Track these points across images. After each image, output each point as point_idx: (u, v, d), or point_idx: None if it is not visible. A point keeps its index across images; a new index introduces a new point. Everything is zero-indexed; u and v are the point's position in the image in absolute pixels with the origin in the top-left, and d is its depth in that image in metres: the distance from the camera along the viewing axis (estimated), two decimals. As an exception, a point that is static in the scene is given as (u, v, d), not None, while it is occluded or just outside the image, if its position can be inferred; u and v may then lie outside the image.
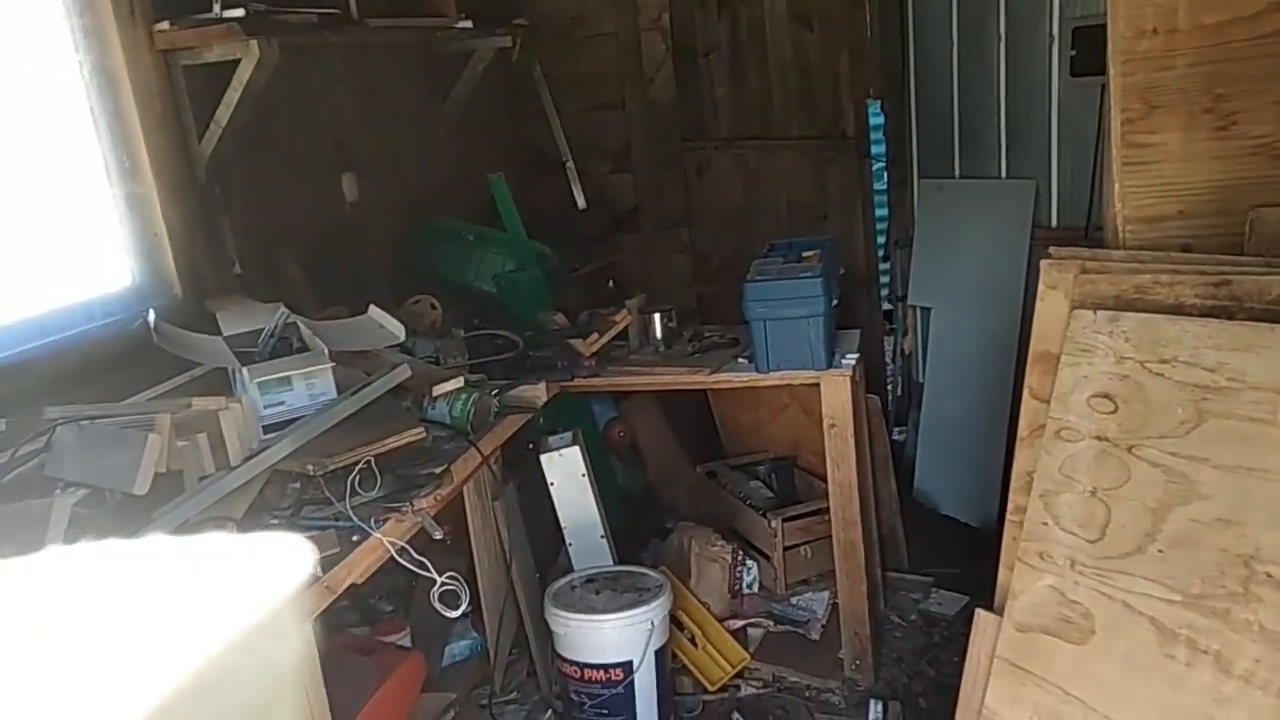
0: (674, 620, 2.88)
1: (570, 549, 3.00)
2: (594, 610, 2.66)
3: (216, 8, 2.54)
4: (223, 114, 2.68)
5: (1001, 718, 1.92)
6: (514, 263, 3.43)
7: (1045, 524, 1.91)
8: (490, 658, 2.91)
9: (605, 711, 2.66)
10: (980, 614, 2.02)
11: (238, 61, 2.61)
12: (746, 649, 3.06)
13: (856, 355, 2.92)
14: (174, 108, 2.63)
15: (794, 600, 3.25)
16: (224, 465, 1.97)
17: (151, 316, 2.32)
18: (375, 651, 2.55)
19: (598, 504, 2.99)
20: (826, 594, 3.22)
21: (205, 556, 0.42)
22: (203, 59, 2.63)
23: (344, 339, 2.36)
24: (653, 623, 2.64)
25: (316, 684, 1.73)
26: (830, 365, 2.82)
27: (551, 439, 2.99)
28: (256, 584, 0.39)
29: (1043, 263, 1.99)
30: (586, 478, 2.96)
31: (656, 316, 3.19)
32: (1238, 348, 1.70)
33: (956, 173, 4.08)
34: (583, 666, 2.66)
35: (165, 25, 2.55)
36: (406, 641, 2.80)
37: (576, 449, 2.94)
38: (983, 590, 2.09)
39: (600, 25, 4.44)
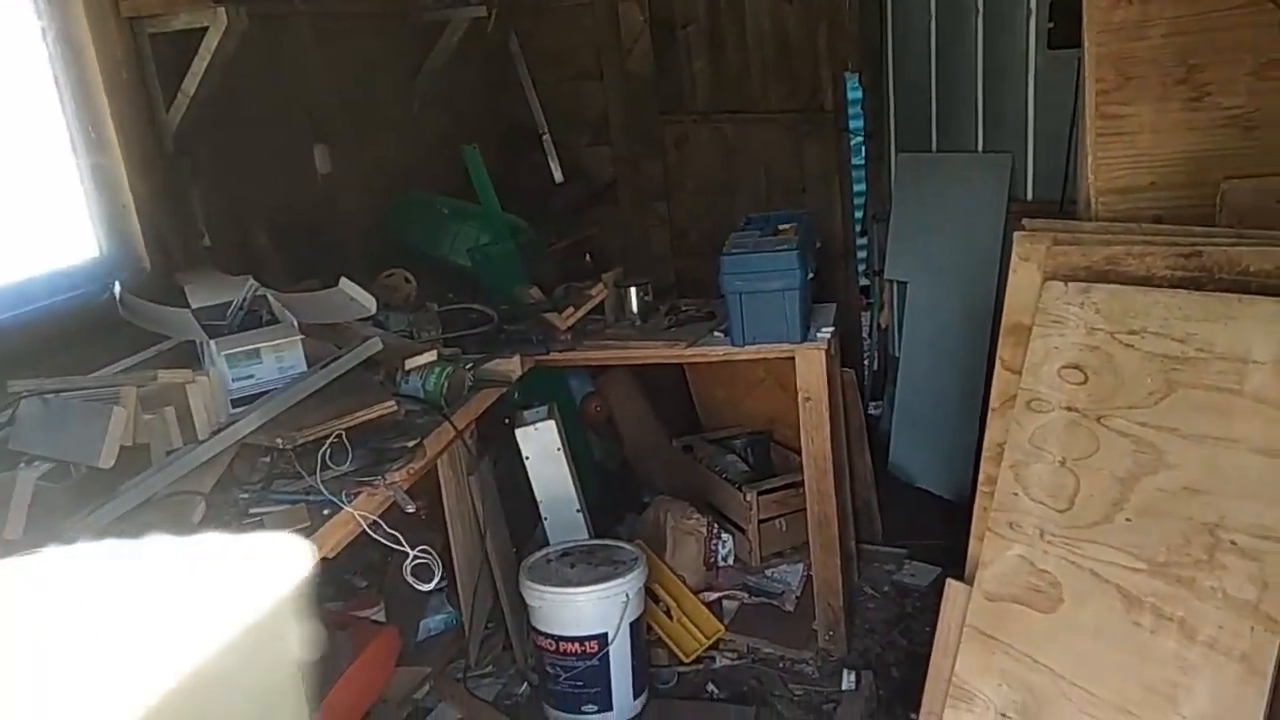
0: (649, 593, 2.89)
1: (546, 523, 3.00)
2: (569, 583, 2.67)
3: (182, -27, 2.49)
4: (190, 83, 2.63)
5: (971, 685, 1.94)
6: (489, 236, 3.40)
7: (1015, 494, 1.93)
8: (465, 631, 2.91)
9: (580, 684, 2.67)
10: (951, 583, 2.04)
11: (206, 29, 2.57)
12: (721, 621, 3.08)
13: (832, 329, 2.92)
14: (140, 76, 2.58)
15: (769, 572, 3.27)
16: (191, 439, 1.94)
17: (118, 289, 2.28)
18: (349, 626, 2.55)
19: (573, 478, 2.99)
20: (801, 566, 3.24)
21: (204, 556, 0.41)
22: (170, 26, 2.58)
23: (314, 312, 2.34)
24: (628, 595, 2.65)
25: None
26: (806, 339, 2.82)
27: (527, 413, 2.98)
28: (256, 584, 0.39)
29: (1016, 234, 1.99)
30: (562, 452, 2.95)
31: (633, 290, 3.18)
32: (1206, 318, 1.71)
33: (934, 146, 4.08)
34: (558, 639, 2.67)
35: (130, -9, 2.50)
36: (381, 616, 2.80)
37: (552, 423, 2.94)
38: (955, 562, 2.11)
39: (577, -5, 4.40)
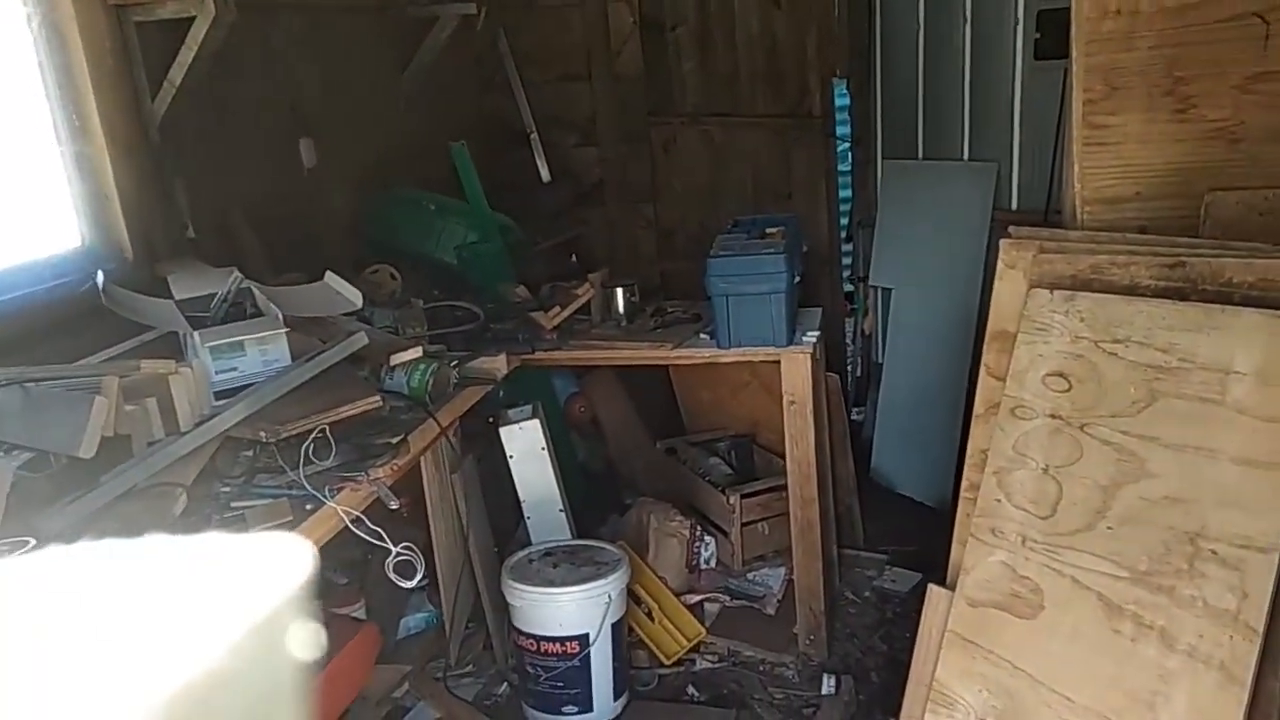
0: (631, 594, 2.88)
1: (529, 522, 2.99)
2: (551, 583, 2.66)
3: (171, -38, 2.47)
4: (176, 73, 2.61)
5: (952, 690, 1.95)
6: (476, 234, 3.39)
7: (998, 500, 1.94)
8: (446, 630, 2.90)
9: (561, 684, 2.66)
10: (932, 589, 2.04)
11: (193, 19, 2.54)
12: (703, 623, 3.08)
13: (817, 333, 2.93)
14: (126, 65, 2.56)
15: (750, 576, 3.27)
16: (174, 430, 1.93)
17: (100, 278, 2.26)
18: (329, 623, 2.53)
19: (557, 478, 2.98)
20: (783, 570, 3.24)
21: (204, 556, 0.41)
22: (156, 15, 2.56)
23: (299, 305, 2.32)
24: (610, 596, 2.64)
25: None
26: (791, 342, 2.82)
27: (511, 412, 2.97)
28: (257, 584, 0.39)
29: (1002, 242, 2.01)
30: (546, 451, 2.94)
31: (619, 291, 3.17)
32: (1189, 328, 1.72)
33: (920, 154, 4.10)
34: (539, 639, 2.66)
35: (117, -21, 2.48)
36: (361, 614, 2.78)
37: (536, 422, 2.93)
38: (936, 568, 2.12)
39: (567, -5, 4.40)
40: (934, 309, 3.90)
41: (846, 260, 4.46)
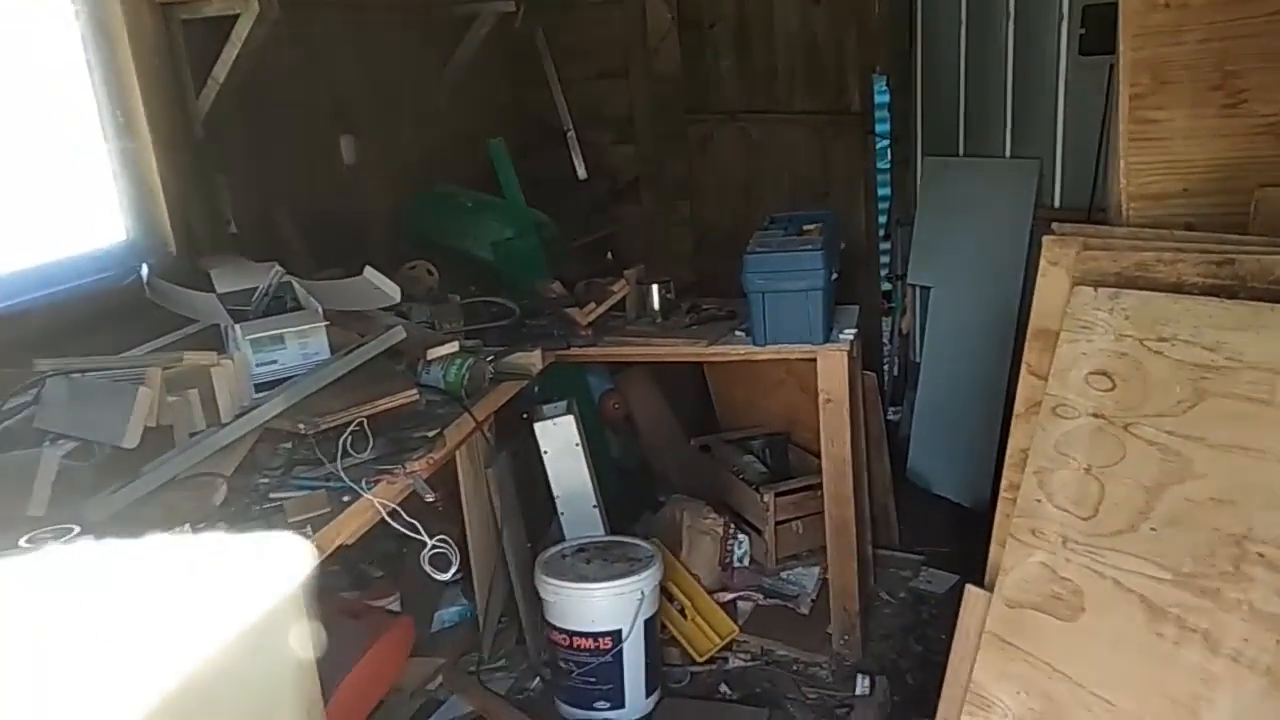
0: (664, 591, 2.88)
1: (562, 518, 3.00)
2: (584, 579, 2.66)
3: (216, -39, 2.51)
4: (220, 70, 2.65)
5: (989, 693, 1.92)
6: (512, 230, 3.40)
7: (1039, 501, 1.91)
8: (479, 624, 2.91)
9: (593, 680, 2.67)
10: (970, 589, 2.01)
11: (238, 16, 2.58)
12: (736, 622, 3.07)
13: (855, 331, 2.91)
14: (171, 62, 2.60)
15: (784, 575, 3.26)
16: (215, 422, 1.95)
17: (145, 271, 2.30)
18: (364, 615, 2.55)
19: (591, 474, 2.98)
20: (817, 569, 3.22)
21: (207, 555, 0.42)
22: (202, 13, 2.60)
23: (338, 299, 2.34)
24: (643, 592, 2.64)
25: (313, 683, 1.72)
26: (828, 340, 2.80)
27: (546, 408, 2.98)
28: (258, 583, 0.39)
29: (1045, 238, 1.97)
30: (580, 447, 2.95)
31: (654, 288, 3.17)
32: (1238, 327, 1.68)
33: (961, 151, 4.05)
34: (572, 635, 2.66)
35: (164, -23, 2.52)
36: (396, 606, 2.80)
37: (571, 418, 2.93)
38: (973, 569, 2.09)
39: (605, -8, 4.40)
40: (973, 308, 3.85)
41: (884, 258, 4.43)
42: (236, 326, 2.15)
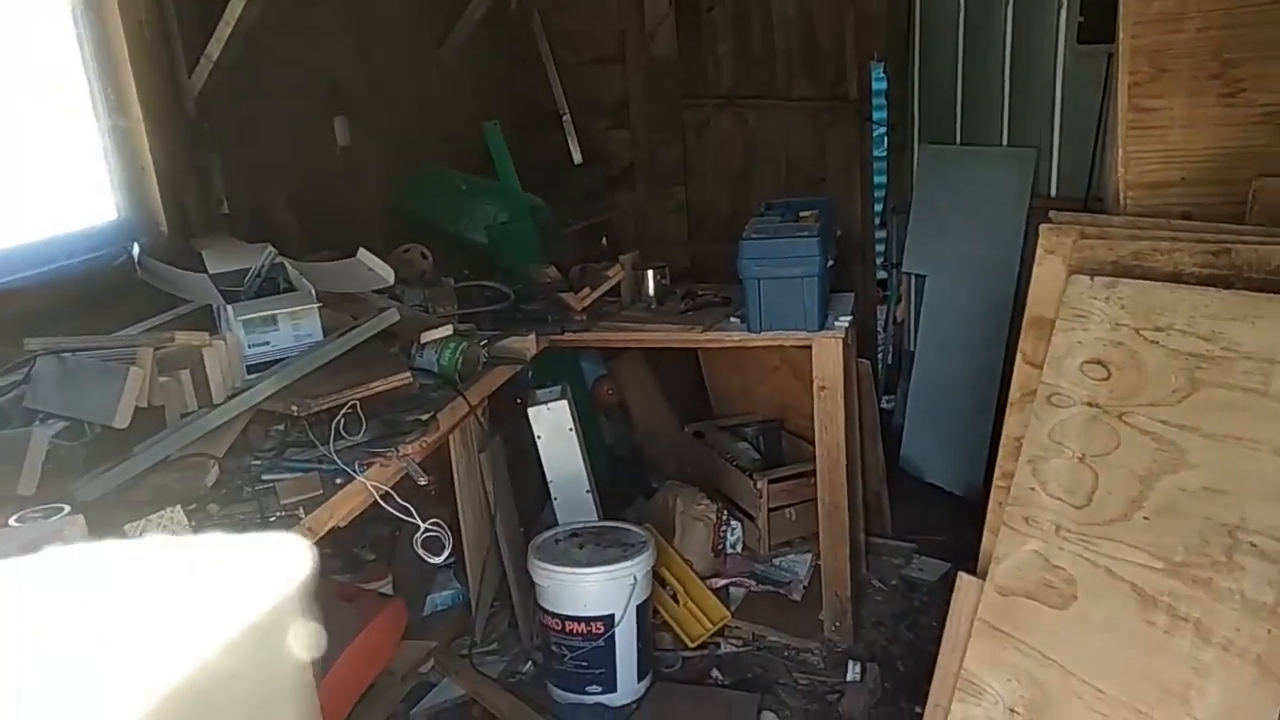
0: (657, 577, 2.88)
1: (555, 503, 3.00)
2: (577, 563, 2.66)
3: (209, -63, 2.48)
4: (214, 48, 2.63)
5: (980, 679, 1.93)
6: (507, 214, 3.39)
7: (1032, 489, 1.91)
8: (472, 608, 2.91)
9: (585, 664, 2.67)
10: (962, 576, 2.02)
11: (230, -6, 2.55)
12: (728, 607, 3.07)
13: (849, 318, 2.90)
14: (163, 38, 2.57)
15: (776, 561, 3.26)
16: (206, 403, 1.94)
17: (136, 250, 2.28)
18: (356, 598, 2.55)
19: (584, 459, 2.98)
20: (809, 556, 3.22)
21: (205, 556, 0.41)
22: (194, -10, 2.57)
23: (331, 281, 2.33)
24: (635, 578, 2.64)
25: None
26: (823, 327, 2.80)
27: (540, 392, 2.97)
28: (256, 584, 0.39)
29: (1042, 227, 1.97)
30: (574, 432, 2.94)
31: (649, 273, 3.16)
32: (1234, 317, 1.68)
33: (958, 139, 4.04)
34: (564, 619, 2.66)
35: (155, -47, 2.49)
36: (388, 590, 2.80)
37: (565, 403, 2.93)
38: (965, 558, 2.09)
39: (602, -24, 4.37)
40: (968, 297, 3.85)
41: (880, 246, 4.42)
42: (228, 307, 2.13)
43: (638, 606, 2.67)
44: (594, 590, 2.63)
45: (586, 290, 3.06)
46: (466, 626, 2.95)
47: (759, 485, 3.21)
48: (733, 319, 2.94)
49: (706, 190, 4.56)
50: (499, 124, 3.42)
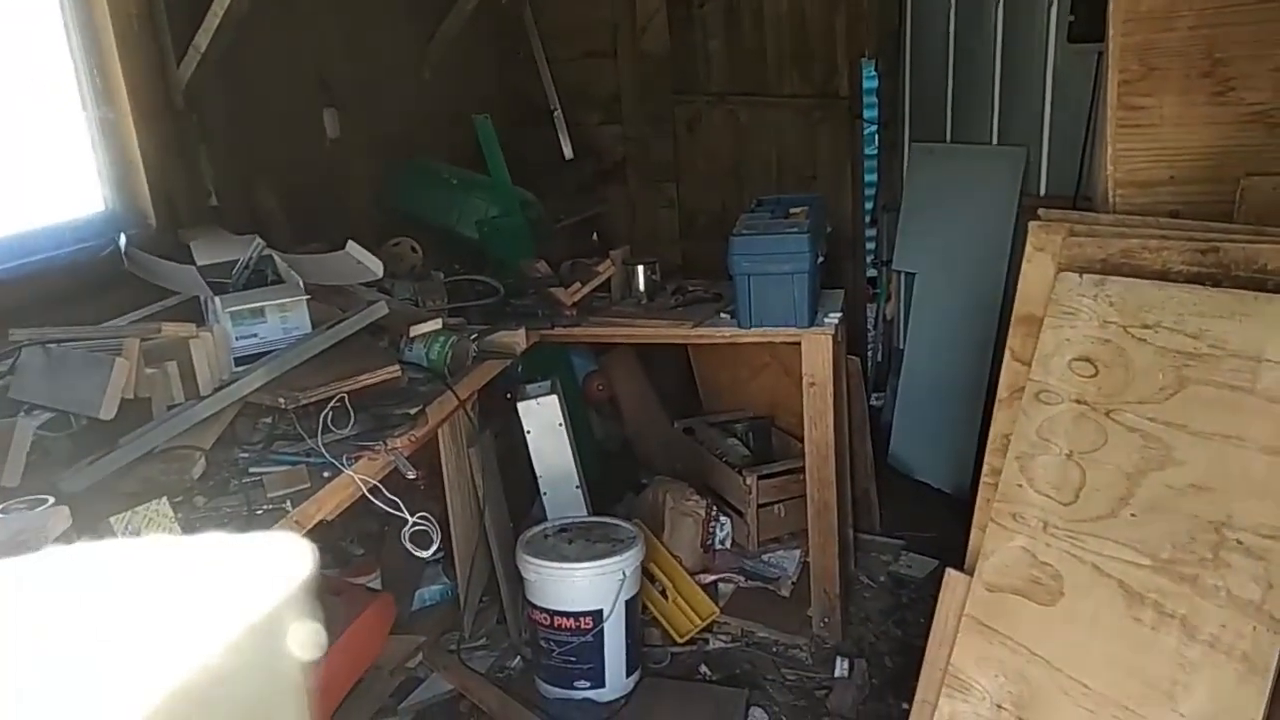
0: (646, 572, 2.88)
1: (545, 498, 2.99)
2: (566, 559, 2.66)
3: (198, -73, 2.46)
4: (202, 39, 2.61)
5: (967, 675, 1.93)
6: (497, 208, 3.38)
7: (1020, 486, 1.91)
8: (460, 603, 2.91)
9: (574, 659, 2.67)
10: (950, 573, 2.02)
11: (219, -15, 2.54)
12: (716, 603, 3.07)
13: (839, 315, 2.90)
14: (151, 29, 2.55)
15: (765, 557, 3.26)
16: (193, 395, 1.93)
17: (123, 241, 2.26)
18: (344, 592, 2.54)
19: (574, 454, 2.97)
20: (798, 552, 3.23)
21: (204, 556, 0.41)
22: (183, -19, 2.55)
23: (320, 273, 2.32)
24: (624, 573, 2.64)
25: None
26: (813, 324, 2.80)
27: (530, 387, 2.96)
28: (256, 584, 0.38)
29: (1031, 224, 1.97)
30: (564, 427, 2.94)
31: (640, 269, 3.16)
32: (1221, 315, 1.69)
33: (948, 137, 4.05)
34: (553, 614, 2.66)
35: (144, -57, 2.47)
36: (377, 584, 2.79)
37: (554, 398, 2.92)
38: (952, 554, 2.10)
39: (594, -30, 4.36)
40: (957, 295, 3.86)
41: (870, 244, 4.42)
42: (216, 299, 2.12)
43: (626, 602, 2.66)
44: (583, 586, 2.63)
45: (577, 285, 3.05)
46: (455, 621, 2.94)
47: (748, 481, 3.22)
48: (723, 315, 2.94)
49: (698, 186, 4.56)
50: (489, 118, 3.40)
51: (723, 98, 4.45)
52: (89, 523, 1.51)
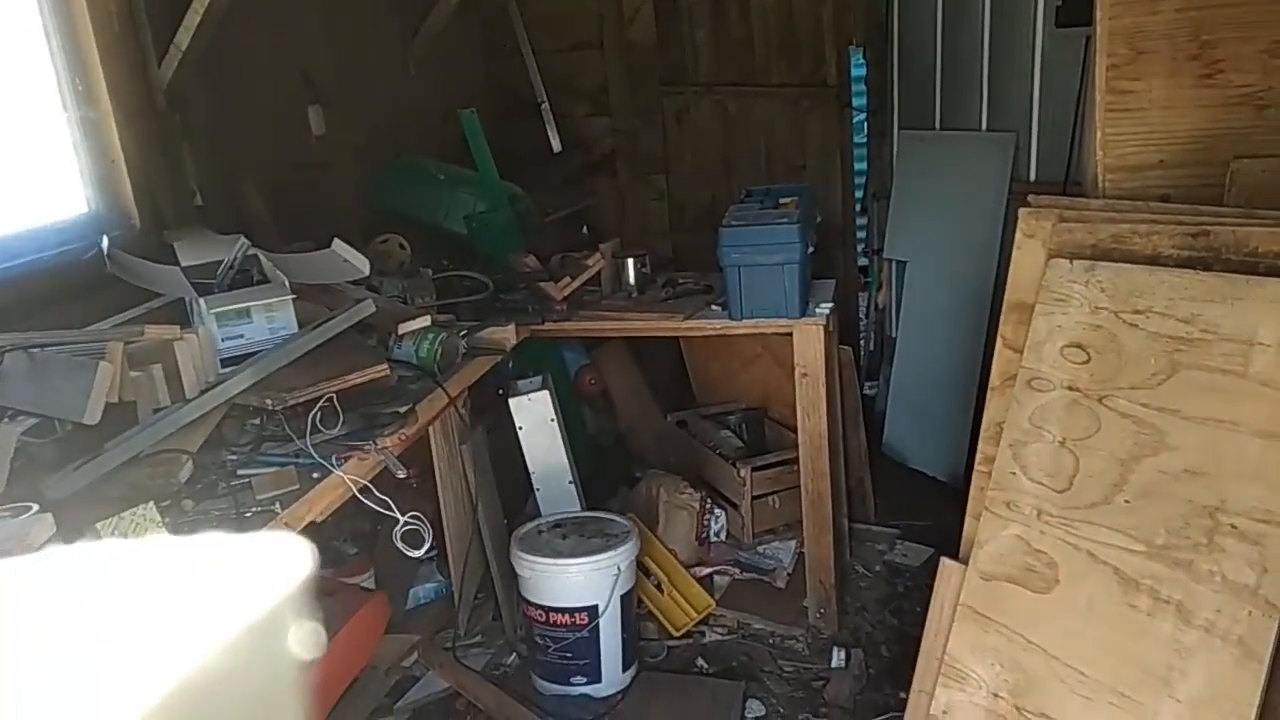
0: (641, 566, 2.87)
1: (538, 494, 2.98)
2: (560, 554, 2.65)
3: (176, -76, 2.44)
4: (183, 37, 2.58)
5: (963, 664, 1.93)
6: (485, 203, 3.36)
7: (1013, 473, 1.91)
8: (455, 601, 2.90)
9: (570, 655, 2.66)
10: (945, 562, 2.02)
11: (199, -18, 2.51)
12: (712, 596, 3.06)
13: (831, 305, 2.89)
14: (132, 28, 2.53)
15: (761, 549, 3.26)
16: (179, 398, 1.91)
17: (105, 243, 2.24)
18: (338, 592, 2.53)
19: (567, 449, 2.96)
20: (793, 543, 3.22)
21: (204, 556, 0.42)
22: (162, -22, 2.53)
23: (306, 272, 2.30)
24: (619, 568, 2.63)
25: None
26: (804, 314, 2.79)
27: (521, 383, 2.95)
28: (256, 584, 0.39)
29: (1021, 211, 1.96)
30: (556, 423, 2.92)
31: (630, 262, 3.14)
32: (1212, 299, 1.68)
33: (938, 124, 4.03)
34: (548, 610, 2.65)
35: (122, -59, 2.44)
36: (370, 584, 2.78)
37: (546, 394, 2.91)
38: (947, 543, 2.09)
39: (579, -39, 4.33)
40: (949, 283, 3.85)
41: (861, 233, 4.41)
42: (201, 300, 2.10)
43: (622, 596, 2.66)
44: (578, 581, 2.62)
45: (567, 279, 3.04)
46: (450, 619, 2.93)
47: (742, 473, 3.21)
48: (714, 307, 2.93)
49: (687, 177, 4.54)
50: (476, 112, 3.38)
51: (710, 88, 4.44)
52: (74, 530, 1.49)
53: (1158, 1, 1.93)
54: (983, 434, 2.01)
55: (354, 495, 1.90)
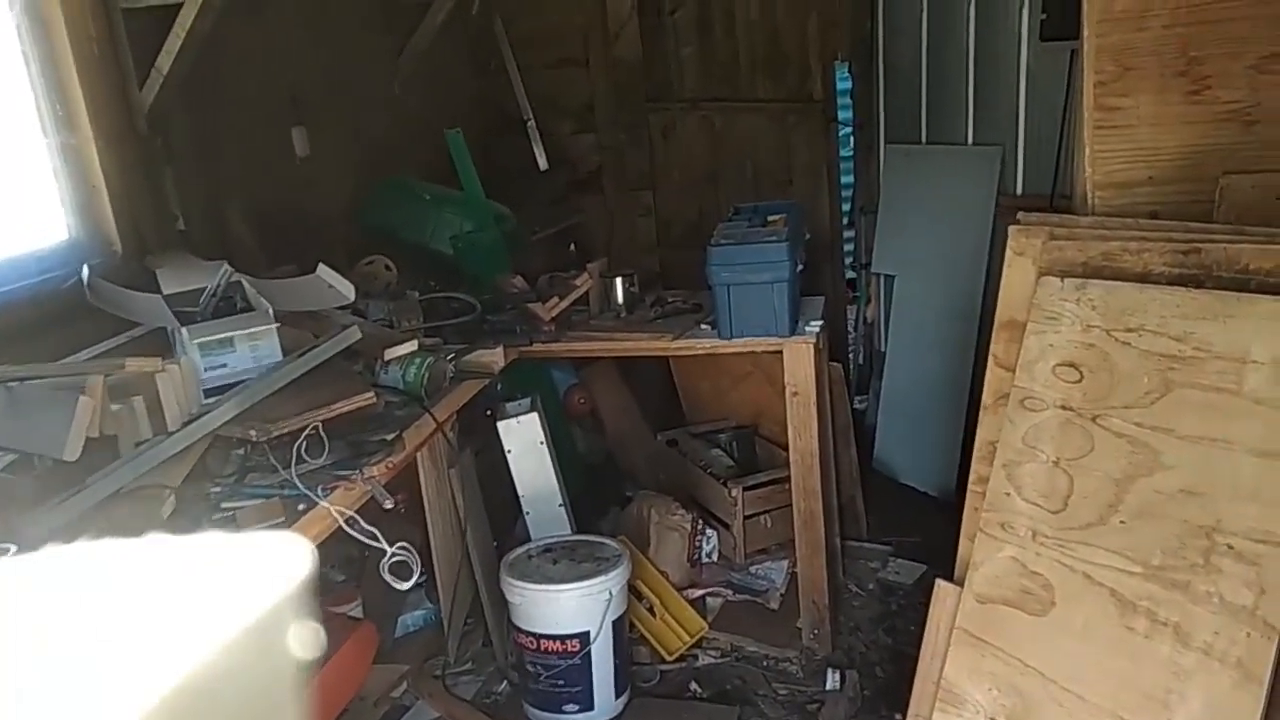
0: (632, 589, 2.84)
1: (528, 518, 2.95)
2: (551, 580, 2.62)
3: (156, -52, 2.42)
4: (164, 61, 2.56)
5: (960, 688, 1.90)
6: (472, 223, 3.34)
7: (1007, 494, 1.89)
8: (444, 628, 2.86)
9: (562, 682, 2.62)
10: (940, 584, 2.00)
11: (180, 5, 2.49)
12: (705, 618, 3.03)
13: (820, 322, 2.88)
14: (112, 53, 2.50)
15: (753, 569, 3.23)
16: (161, 430, 1.88)
17: (85, 272, 2.21)
18: (325, 621, 2.49)
19: (556, 472, 2.93)
20: (785, 563, 3.20)
21: (204, 556, 0.42)
22: (143, 1, 2.50)
23: (290, 299, 2.27)
24: (610, 592, 2.60)
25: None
26: (794, 332, 2.77)
27: (509, 406, 2.92)
28: (256, 584, 0.39)
29: (1011, 229, 1.95)
30: (545, 445, 2.90)
31: (618, 281, 3.12)
32: (1204, 316, 1.67)
33: (924, 139, 4.04)
34: (539, 637, 2.61)
35: (101, -35, 2.42)
36: (358, 612, 2.74)
37: (535, 416, 2.88)
38: (941, 559, 2.08)
39: (563, -21, 4.32)
40: (937, 296, 3.85)
41: (849, 247, 4.41)
42: (183, 329, 2.07)
43: (613, 622, 2.63)
44: (569, 607, 2.58)
45: (554, 300, 3.01)
46: (440, 647, 2.89)
47: (734, 493, 3.18)
48: (703, 326, 2.91)
49: (674, 194, 4.53)
50: (461, 131, 3.36)
51: (696, 104, 4.43)
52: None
53: (1145, 18, 1.92)
54: (976, 453, 1.99)
55: (340, 526, 1.87)
